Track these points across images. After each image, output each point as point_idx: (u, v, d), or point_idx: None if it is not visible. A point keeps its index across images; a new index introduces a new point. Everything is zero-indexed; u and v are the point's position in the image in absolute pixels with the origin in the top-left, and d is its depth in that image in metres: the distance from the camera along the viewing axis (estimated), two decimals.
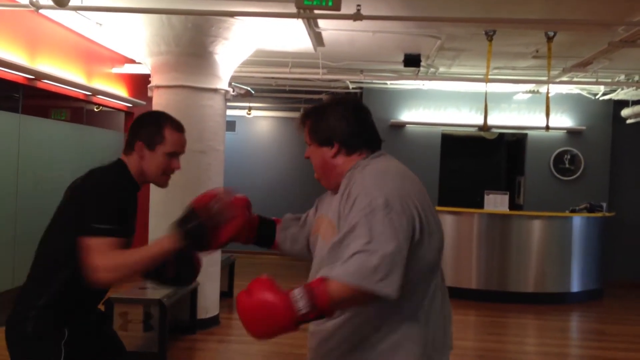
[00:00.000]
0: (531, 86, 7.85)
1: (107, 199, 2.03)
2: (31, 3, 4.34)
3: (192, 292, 5.43)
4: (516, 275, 7.52)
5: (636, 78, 7.49)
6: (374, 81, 8.55)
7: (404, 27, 5.64)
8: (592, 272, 7.83)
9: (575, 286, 7.70)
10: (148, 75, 5.80)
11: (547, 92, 6.29)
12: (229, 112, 8.13)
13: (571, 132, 8.93)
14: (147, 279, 2.30)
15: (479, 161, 10.49)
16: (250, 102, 10.01)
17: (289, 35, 5.85)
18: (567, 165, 8.94)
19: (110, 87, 7.10)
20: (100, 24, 5.86)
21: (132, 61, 7.35)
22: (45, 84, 5.68)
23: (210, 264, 5.68)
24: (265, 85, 8.91)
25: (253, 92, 8.92)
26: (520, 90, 8.31)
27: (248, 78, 7.87)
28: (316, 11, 4.21)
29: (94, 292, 2.16)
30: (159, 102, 5.47)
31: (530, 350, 5.78)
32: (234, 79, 6.54)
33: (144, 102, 7.39)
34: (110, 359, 2.26)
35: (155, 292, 4.92)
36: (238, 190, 2.02)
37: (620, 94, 8.23)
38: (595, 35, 5.57)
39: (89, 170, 2.14)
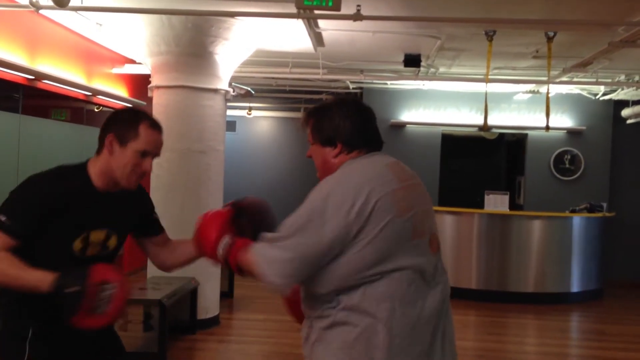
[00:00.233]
0: (531, 86, 7.85)
1: (25, 197, 1.94)
2: (31, 3, 4.34)
3: (192, 292, 5.44)
4: (516, 275, 7.52)
5: (636, 78, 7.49)
6: (374, 81, 8.55)
7: (404, 27, 5.65)
8: (592, 272, 7.83)
9: (576, 286, 7.70)
10: (148, 76, 5.80)
11: (547, 92, 6.29)
12: (229, 112, 8.14)
13: (571, 132, 8.94)
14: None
15: (479, 161, 10.49)
16: (250, 102, 10.01)
17: (289, 36, 5.86)
18: (567, 166, 8.94)
19: (111, 88, 7.11)
20: (100, 25, 5.86)
21: (132, 61, 7.36)
22: (46, 84, 5.68)
23: (210, 264, 5.68)
24: (265, 86, 8.92)
25: (253, 92, 8.92)
26: (521, 91, 8.31)
27: (248, 78, 7.87)
28: (316, 11, 4.21)
29: None
30: (159, 102, 5.47)
31: (530, 350, 5.78)
32: (234, 79, 6.54)
33: (144, 103, 7.39)
34: (109, 359, 2.25)
35: (155, 292, 4.92)
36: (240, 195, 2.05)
37: (620, 94, 8.24)
38: (595, 36, 5.57)
39: None
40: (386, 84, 8.75)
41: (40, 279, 1.82)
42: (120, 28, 5.53)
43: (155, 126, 2.04)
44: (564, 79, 7.17)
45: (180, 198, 5.29)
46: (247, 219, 2.02)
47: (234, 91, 6.68)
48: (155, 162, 2.10)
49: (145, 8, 4.83)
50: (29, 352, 1.96)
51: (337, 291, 1.70)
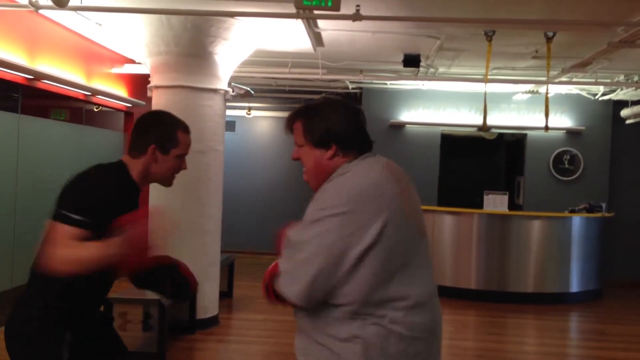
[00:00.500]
0: (530, 86, 7.86)
1: (87, 192, 2.03)
2: (31, 3, 4.34)
3: None
4: (515, 275, 7.52)
5: (635, 78, 7.49)
6: (374, 81, 8.55)
7: (403, 28, 5.65)
8: (591, 272, 7.84)
9: (575, 286, 7.71)
10: (147, 76, 5.80)
11: (547, 93, 6.29)
12: (229, 112, 8.14)
13: (570, 133, 8.94)
14: (144, 288, 2.33)
15: (479, 161, 10.49)
16: (249, 102, 10.01)
17: (289, 36, 5.86)
18: (566, 166, 8.94)
19: (110, 87, 7.10)
20: (100, 24, 5.86)
21: (132, 61, 7.35)
22: (45, 84, 5.68)
23: (210, 263, 5.69)
24: (264, 86, 8.91)
25: (252, 92, 8.92)
26: (520, 91, 8.31)
27: (248, 78, 7.87)
28: (315, 11, 4.21)
29: (96, 294, 2.16)
30: (159, 102, 5.47)
31: (530, 350, 5.78)
32: (233, 79, 6.54)
33: (143, 102, 7.39)
34: (113, 359, 2.27)
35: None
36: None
37: (619, 94, 8.24)
38: (594, 36, 5.58)
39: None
40: (386, 84, 8.75)
41: (107, 245, 1.93)
42: (120, 28, 5.53)
43: (188, 130, 2.26)
44: (563, 79, 7.17)
45: (179, 198, 5.28)
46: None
47: (233, 91, 6.68)
48: None
49: (145, 8, 4.83)
50: (67, 355, 2.03)
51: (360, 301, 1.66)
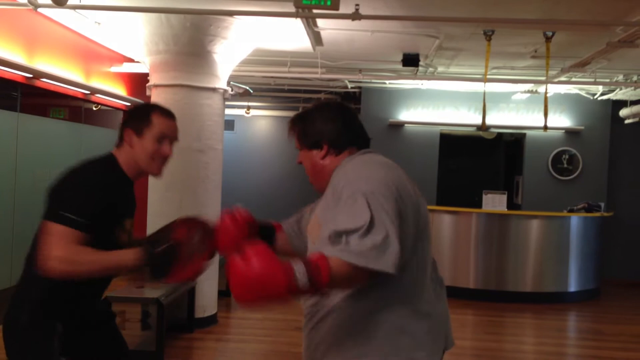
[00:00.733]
0: (529, 86, 7.86)
1: (81, 191, 2.01)
2: (29, 2, 4.34)
3: (189, 290, 5.44)
4: (514, 274, 7.53)
5: (634, 78, 7.50)
6: (373, 81, 8.55)
7: (402, 27, 5.65)
8: (589, 272, 7.84)
9: (573, 286, 7.71)
10: (146, 74, 5.80)
11: (546, 92, 6.30)
12: (228, 111, 8.15)
13: (569, 132, 8.95)
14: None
15: (477, 161, 10.49)
16: (248, 101, 10.01)
17: (288, 35, 5.86)
18: (565, 165, 8.95)
19: (109, 86, 7.10)
20: (99, 23, 5.85)
21: (131, 60, 7.35)
22: (44, 83, 5.68)
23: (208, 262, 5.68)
24: (263, 85, 8.92)
25: (252, 91, 8.92)
26: (519, 90, 8.32)
27: (247, 77, 7.87)
28: (315, 11, 4.21)
29: (88, 289, 2.15)
30: (158, 101, 5.45)
31: (528, 350, 5.79)
32: (232, 78, 6.53)
33: (142, 102, 7.38)
34: (112, 357, 2.26)
35: (152, 291, 4.92)
36: (240, 204, 2.05)
37: (618, 94, 8.25)
38: (593, 35, 5.58)
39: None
40: (385, 83, 8.75)
41: (122, 256, 1.95)
42: (119, 27, 5.52)
43: (167, 113, 2.19)
44: (562, 78, 7.18)
45: (178, 197, 5.28)
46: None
47: (232, 90, 6.68)
48: None
49: (144, 7, 4.83)
50: (57, 349, 2.02)
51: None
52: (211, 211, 5.65)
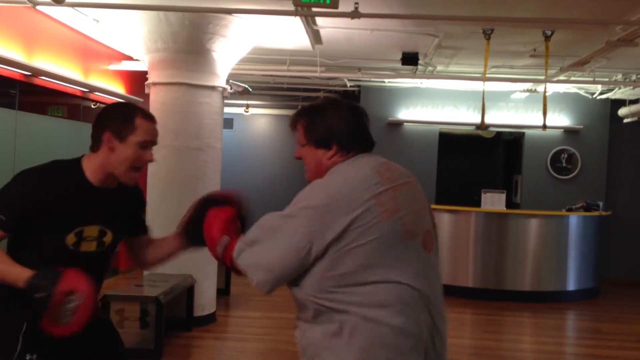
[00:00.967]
0: (529, 85, 7.86)
1: (13, 191, 1.96)
2: None
3: (188, 289, 5.43)
4: (513, 273, 7.53)
5: (633, 77, 7.50)
6: (372, 79, 8.54)
7: (401, 25, 5.64)
8: (588, 271, 7.85)
9: (572, 285, 7.72)
10: (145, 72, 5.79)
11: (545, 91, 6.29)
12: (227, 109, 8.13)
13: (568, 131, 8.95)
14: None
15: (476, 160, 10.50)
16: (247, 99, 10.00)
17: (287, 33, 5.85)
18: (564, 164, 8.95)
19: (107, 84, 7.09)
20: (98, 21, 5.84)
21: (130, 58, 7.34)
22: (42, 81, 5.67)
23: (207, 261, 5.66)
24: (263, 83, 8.91)
25: (251, 89, 8.91)
26: (518, 89, 8.32)
27: (246, 75, 7.86)
28: (314, 9, 4.21)
29: None
30: (156, 99, 5.46)
31: (526, 349, 5.79)
32: (231, 76, 6.53)
33: (141, 99, 7.37)
34: (106, 355, 2.24)
35: (151, 289, 4.92)
36: (241, 190, 2.06)
37: (617, 93, 8.25)
38: (592, 34, 5.58)
39: None
40: (384, 82, 8.75)
41: (18, 276, 1.85)
42: (118, 24, 5.52)
43: (150, 117, 2.08)
44: (562, 77, 7.18)
45: (177, 195, 5.27)
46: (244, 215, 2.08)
47: (231, 88, 6.68)
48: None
49: (143, 5, 4.82)
50: (21, 346, 1.97)
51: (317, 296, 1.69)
52: None
